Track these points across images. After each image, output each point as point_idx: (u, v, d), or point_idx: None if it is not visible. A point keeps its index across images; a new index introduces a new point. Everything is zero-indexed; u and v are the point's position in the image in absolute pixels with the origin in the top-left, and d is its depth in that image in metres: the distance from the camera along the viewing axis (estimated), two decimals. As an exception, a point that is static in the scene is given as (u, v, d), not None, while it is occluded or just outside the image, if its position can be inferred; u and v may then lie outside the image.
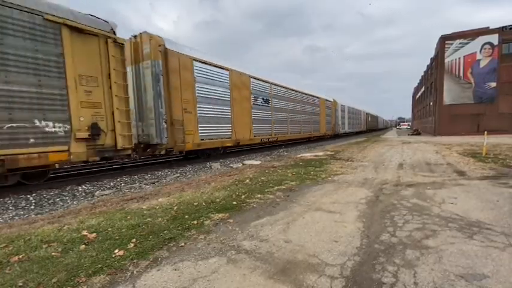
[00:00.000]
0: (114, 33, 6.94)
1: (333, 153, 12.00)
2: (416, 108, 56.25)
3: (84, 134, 6.24)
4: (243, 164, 9.93)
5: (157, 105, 8.46)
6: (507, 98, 25.10)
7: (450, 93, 27.44)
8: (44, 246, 2.81)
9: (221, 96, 11.21)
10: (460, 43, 26.67)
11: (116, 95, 6.81)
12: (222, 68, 11.29)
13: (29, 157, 5.40)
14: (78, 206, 4.93)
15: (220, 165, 9.93)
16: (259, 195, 4.80)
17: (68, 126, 5.99)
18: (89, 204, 4.91)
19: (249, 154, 13.85)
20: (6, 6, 5.15)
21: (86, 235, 3.06)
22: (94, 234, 3.08)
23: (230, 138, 11.80)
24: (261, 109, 14.30)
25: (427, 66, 38.98)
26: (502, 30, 25.18)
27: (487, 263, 2.30)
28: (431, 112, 33.69)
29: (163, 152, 8.79)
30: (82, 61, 6.24)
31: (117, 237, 2.99)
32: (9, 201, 5.37)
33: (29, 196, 5.72)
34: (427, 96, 38.08)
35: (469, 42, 26.30)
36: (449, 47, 27.16)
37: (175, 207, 4.12)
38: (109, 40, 6.71)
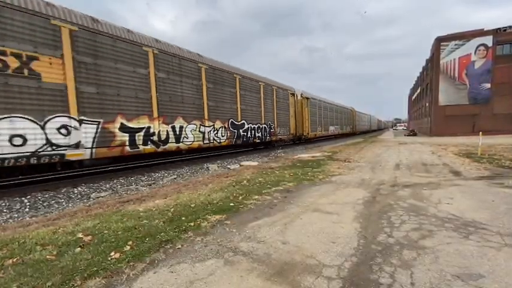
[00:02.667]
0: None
1: (330, 154, 12.03)
2: (413, 109, 56.68)
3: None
4: (241, 165, 9.91)
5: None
6: (502, 98, 25.40)
7: (445, 94, 27.70)
8: (39, 249, 2.78)
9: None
10: (455, 44, 26.95)
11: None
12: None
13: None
14: (74, 208, 4.88)
15: (218, 167, 9.91)
16: (256, 197, 4.80)
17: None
18: (85, 206, 4.86)
19: (246, 155, 13.84)
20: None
21: (81, 238, 3.03)
22: (90, 237, 3.05)
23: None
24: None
25: (423, 67, 39.32)
26: (496, 32, 25.51)
27: (483, 263, 2.31)
28: (427, 113, 33.97)
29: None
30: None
31: (113, 240, 2.96)
32: (3, 204, 5.30)
33: (23, 198, 5.65)
34: (423, 97, 38.38)
35: (464, 44, 26.59)
36: (444, 49, 27.43)
37: (172, 209, 4.09)
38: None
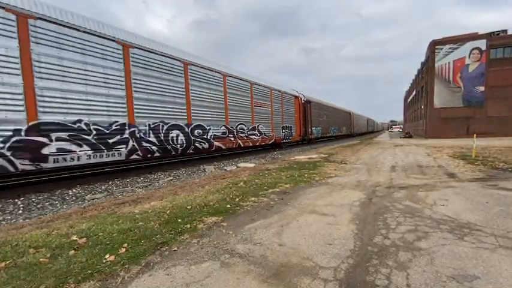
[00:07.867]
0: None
1: (326, 155, 12.07)
2: (408, 111, 57.16)
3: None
4: (237, 167, 9.90)
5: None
6: (495, 101, 25.73)
7: (440, 96, 27.99)
8: (32, 251, 2.74)
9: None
10: (449, 48, 27.28)
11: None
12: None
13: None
14: (68, 210, 4.82)
15: (214, 168, 9.88)
16: (253, 198, 4.79)
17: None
18: (79, 208, 4.81)
19: (243, 156, 13.82)
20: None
21: (75, 240, 3.00)
22: (84, 239, 3.02)
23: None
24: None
25: (418, 70, 39.73)
26: (490, 36, 25.88)
27: (477, 264, 2.33)
28: (422, 115, 34.27)
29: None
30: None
31: (108, 242, 2.93)
32: (-4, 206, 5.22)
33: (16, 200, 5.57)
34: (418, 100, 38.75)
35: (458, 47, 26.92)
36: (439, 52, 27.75)
37: (168, 211, 4.06)
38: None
